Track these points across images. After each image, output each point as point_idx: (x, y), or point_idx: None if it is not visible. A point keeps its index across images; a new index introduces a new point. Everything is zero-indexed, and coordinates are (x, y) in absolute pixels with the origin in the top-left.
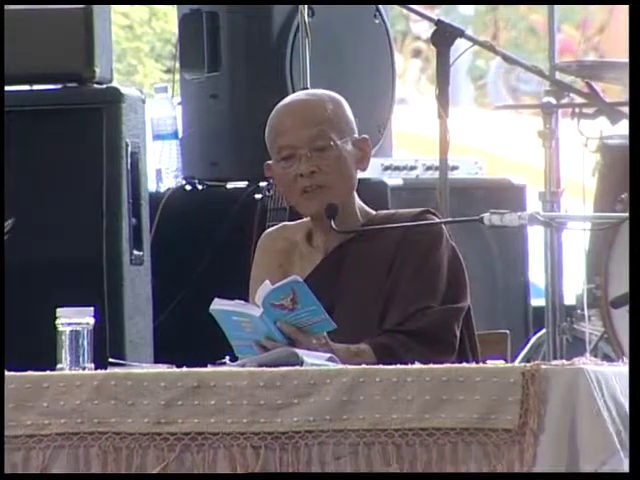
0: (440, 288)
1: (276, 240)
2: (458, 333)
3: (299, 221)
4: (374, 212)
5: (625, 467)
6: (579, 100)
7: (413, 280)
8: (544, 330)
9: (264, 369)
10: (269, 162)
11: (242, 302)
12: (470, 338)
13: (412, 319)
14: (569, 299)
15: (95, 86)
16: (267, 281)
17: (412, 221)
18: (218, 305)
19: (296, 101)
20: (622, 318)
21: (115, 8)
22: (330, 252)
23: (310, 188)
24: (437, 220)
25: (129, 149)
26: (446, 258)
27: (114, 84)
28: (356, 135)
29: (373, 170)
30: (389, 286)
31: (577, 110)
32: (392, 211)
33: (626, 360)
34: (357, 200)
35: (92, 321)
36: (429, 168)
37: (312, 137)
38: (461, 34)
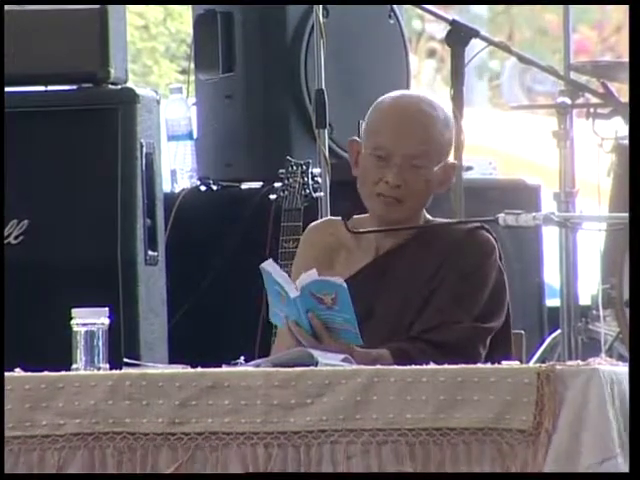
0: (479, 306)
1: (322, 234)
2: (483, 354)
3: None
4: (431, 218)
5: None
6: (594, 100)
7: (451, 292)
8: (559, 330)
9: (279, 369)
10: (358, 140)
11: (287, 277)
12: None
13: (437, 330)
14: (584, 299)
15: (110, 87)
16: (314, 270)
17: (464, 236)
18: (268, 266)
19: (413, 108)
20: None
21: (130, 8)
22: (381, 254)
23: (388, 197)
24: (488, 235)
25: (144, 150)
26: (492, 277)
27: (129, 85)
28: (449, 159)
29: None
30: (427, 293)
31: (592, 110)
32: (446, 220)
33: None
34: (424, 212)
35: (107, 321)
36: None
37: (413, 153)
38: (476, 34)
